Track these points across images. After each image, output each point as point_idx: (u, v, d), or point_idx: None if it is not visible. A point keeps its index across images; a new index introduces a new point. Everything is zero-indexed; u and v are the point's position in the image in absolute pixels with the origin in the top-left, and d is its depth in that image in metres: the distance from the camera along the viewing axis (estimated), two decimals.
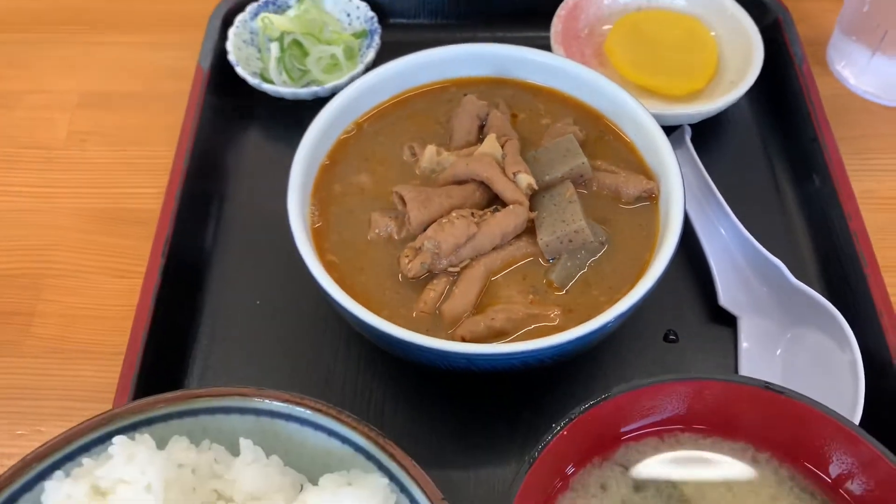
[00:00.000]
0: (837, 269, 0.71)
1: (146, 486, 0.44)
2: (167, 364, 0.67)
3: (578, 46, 0.84)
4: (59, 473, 0.47)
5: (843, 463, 0.52)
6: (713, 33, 0.84)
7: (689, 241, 0.72)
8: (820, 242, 0.73)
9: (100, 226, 0.78)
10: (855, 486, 0.51)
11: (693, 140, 0.78)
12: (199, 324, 0.70)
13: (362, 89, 0.70)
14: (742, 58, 0.81)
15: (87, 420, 0.48)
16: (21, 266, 0.75)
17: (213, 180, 0.78)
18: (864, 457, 0.51)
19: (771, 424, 0.54)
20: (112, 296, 0.73)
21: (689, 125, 0.79)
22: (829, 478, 0.52)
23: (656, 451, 0.56)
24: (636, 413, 0.55)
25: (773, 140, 0.81)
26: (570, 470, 0.54)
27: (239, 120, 0.83)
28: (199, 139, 0.77)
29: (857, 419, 0.59)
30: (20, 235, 0.77)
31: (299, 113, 0.82)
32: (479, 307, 0.61)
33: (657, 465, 0.54)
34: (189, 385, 0.67)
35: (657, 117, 0.73)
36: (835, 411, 0.52)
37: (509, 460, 0.61)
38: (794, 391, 0.53)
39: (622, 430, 0.55)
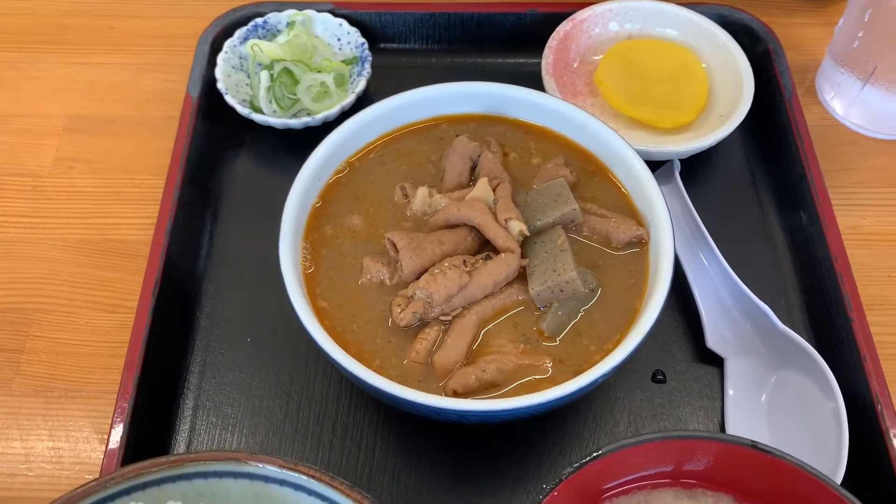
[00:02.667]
0: (823, 311, 0.72)
1: None
2: (158, 406, 0.67)
3: (570, 77, 0.84)
4: None
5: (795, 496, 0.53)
6: (704, 64, 0.84)
7: (677, 281, 0.72)
8: (806, 282, 0.74)
9: (89, 258, 0.77)
10: None
11: (682, 173, 0.79)
12: (189, 363, 0.70)
13: (353, 128, 0.70)
14: (732, 91, 0.81)
15: (81, 486, 0.49)
16: (12, 300, 0.74)
17: (204, 212, 0.78)
18: (818, 492, 0.52)
19: (755, 479, 0.55)
20: (102, 332, 0.73)
21: (679, 160, 0.79)
22: None
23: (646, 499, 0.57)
24: (625, 469, 0.56)
25: (762, 175, 0.81)
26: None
27: (229, 149, 0.82)
28: (189, 170, 0.77)
29: (841, 468, 0.61)
30: (10, 268, 0.76)
31: (290, 141, 0.82)
32: (470, 357, 0.61)
33: None
34: (180, 430, 0.67)
35: (647, 153, 0.74)
36: (818, 471, 0.53)
37: None
38: (779, 451, 0.54)
39: (611, 484, 0.56)
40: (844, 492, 0.52)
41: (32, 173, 0.83)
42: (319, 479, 0.49)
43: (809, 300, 0.73)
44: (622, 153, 0.68)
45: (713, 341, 0.70)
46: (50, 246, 0.78)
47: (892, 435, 0.63)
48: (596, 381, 0.57)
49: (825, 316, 0.71)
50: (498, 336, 0.62)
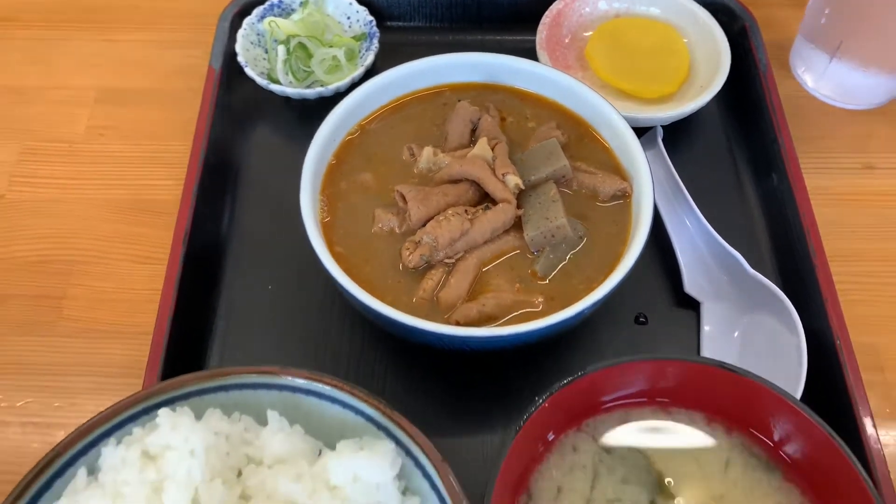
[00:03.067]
0: (790, 260, 0.79)
1: (190, 452, 0.52)
2: (190, 343, 0.74)
3: (562, 52, 0.91)
4: (111, 440, 0.54)
5: (783, 430, 0.61)
6: (685, 40, 0.91)
7: (658, 234, 0.80)
8: (776, 235, 0.81)
9: (122, 215, 0.84)
10: (792, 449, 0.60)
11: (664, 139, 0.86)
12: (217, 306, 0.77)
13: (365, 94, 0.77)
14: (711, 64, 0.89)
15: (133, 395, 0.56)
16: (53, 252, 0.82)
17: (227, 174, 0.85)
18: (801, 425, 0.60)
19: (724, 397, 0.63)
20: (135, 281, 0.80)
21: (662, 126, 0.86)
22: (772, 442, 0.61)
23: (623, 421, 0.64)
24: (607, 388, 0.63)
25: (737, 140, 0.89)
26: (550, 436, 0.63)
27: (248, 117, 0.89)
28: (213, 136, 0.84)
29: (798, 393, 0.68)
30: (50, 224, 0.83)
31: (304, 111, 0.89)
32: (471, 294, 0.68)
33: (624, 433, 0.63)
34: (210, 362, 0.74)
35: (632, 119, 0.81)
36: (779, 387, 0.61)
37: (497, 428, 0.69)
38: (744, 369, 0.62)
39: (596, 402, 0.64)
40: (801, 404, 0.60)
41: (68, 139, 0.90)
42: (341, 389, 0.56)
43: (778, 251, 0.81)
44: (608, 116, 0.76)
45: (690, 287, 0.77)
46: (86, 205, 0.85)
47: (845, 362, 0.70)
48: (581, 312, 0.64)
49: (792, 264, 0.78)
50: (496, 276, 0.70)
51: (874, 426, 0.67)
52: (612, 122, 0.75)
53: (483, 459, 0.67)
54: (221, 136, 0.85)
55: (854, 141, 0.91)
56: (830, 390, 0.71)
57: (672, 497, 0.61)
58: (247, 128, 0.89)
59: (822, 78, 0.92)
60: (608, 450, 0.63)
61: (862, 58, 0.87)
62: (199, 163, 0.81)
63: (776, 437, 0.62)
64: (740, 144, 0.88)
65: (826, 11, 0.87)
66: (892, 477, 0.67)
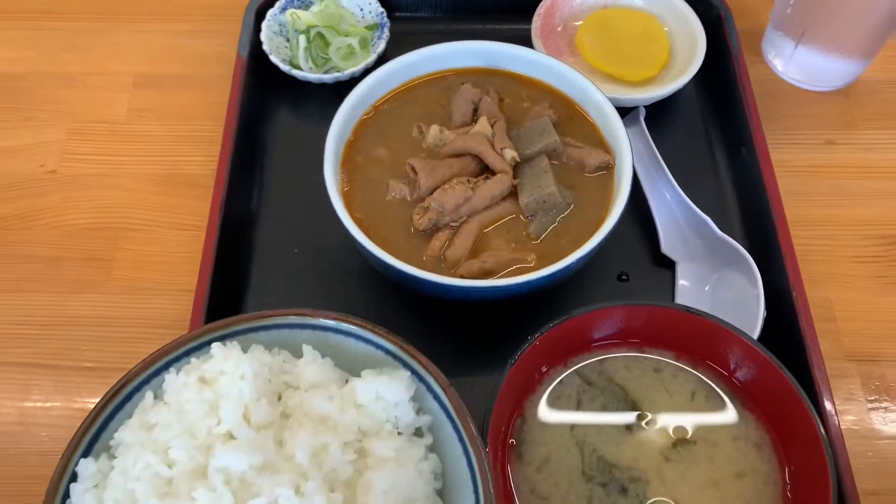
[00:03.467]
0: (755, 225, 0.89)
1: (240, 376, 0.62)
2: (227, 297, 0.84)
3: (555, 39, 1.01)
4: (172, 370, 0.65)
5: (735, 360, 0.71)
6: (666, 28, 1.01)
7: (638, 202, 0.90)
8: (743, 203, 0.91)
9: (161, 188, 0.94)
10: (742, 374, 0.71)
11: (646, 119, 0.96)
12: (249, 266, 0.87)
13: (378, 78, 0.87)
14: (689, 50, 0.98)
15: (189, 333, 0.66)
16: (102, 220, 0.92)
17: (255, 150, 0.95)
18: (748, 353, 0.70)
19: (689, 337, 0.73)
20: (176, 245, 0.90)
21: (644, 106, 0.96)
22: (727, 371, 0.72)
23: (603, 359, 0.75)
24: (589, 330, 0.74)
25: (712, 119, 0.99)
26: (544, 369, 0.73)
27: (273, 99, 0.99)
28: (243, 116, 0.93)
29: (755, 335, 0.78)
30: (98, 196, 0.93)
31: (323, 94, 0.99)
32: (473, 253, 0.79)
33: (603, 369, 0.73)
34: (245, 311, 0.85)
35: (617, 100, 0.91)
36: (735, 326, 0.71)
37: (495, 365, 0.78)
38: (706, 313, 0.72)
39: (579, 342, 0.74)
40: (753, 340, 0.71)
41: (110, 121, 1.00)
42: (364, 327, 0.66)
43: (745, 216, 0.91)
44: (594, 97, 0.85)
45: (667, 248, 0.87)
46: (129, 179, 0.95)
47: (800, 311, 0.80)
48: (568, 267, 0.74)
49: (757, 228, 0.88)
50: (495, 238, 0.80)
51: (823, 365, 0.78)
52: (598, 102, 0.85)
53: (483, 392, 0.77)
54: (250, 117, 0.95)
55: (817, 119, 1.00)
56: (788, 336, 0.81)
57: (646, 421, 0.72)
58: (272, 109, 0.99)
59: (789, 62, 1.02)
60: (590, 382, 0.74)
61: (823, 44, 0.97)
62: (231, 140, 0.91)
63: (733, 370, 0.72)
64: (714, 122, 0.98)
65: (791, 2, 0.96)
66: (838, 408, 0.78)
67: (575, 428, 0.71)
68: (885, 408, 0.81)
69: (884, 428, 0.80)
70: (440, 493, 0.64)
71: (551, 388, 0.73)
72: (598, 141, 0.86)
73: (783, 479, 0.69)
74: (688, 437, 0.71)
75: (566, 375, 0.74)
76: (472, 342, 0.82)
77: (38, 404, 0.81)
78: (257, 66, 0.99)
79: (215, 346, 0.64)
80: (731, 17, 1.02)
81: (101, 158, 0.97)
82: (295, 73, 0.97)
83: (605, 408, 0.72)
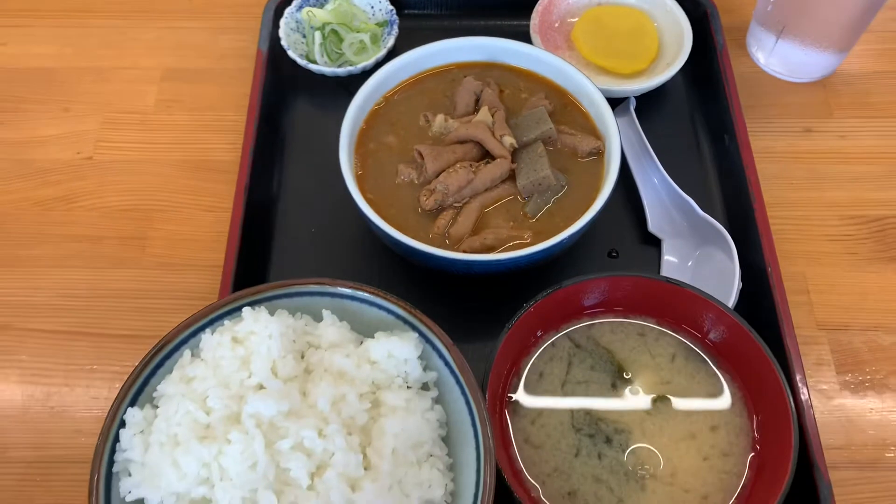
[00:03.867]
0: (735, 205, 0.96)
1: (268, 335, 0.70)
2: (251, 272, 0.92)
3: (552, 35, 1.09)
4: (207, 331, 0.73)
5: (710, 325, 0.79)
6: (655, 24, 1.09)
7: (628, 186, 0.98)
8: (725, 186, 0.99)
9: (189, 173, 1.02)
10: (716, 337, 0.79)
11: (637, 109, 1.03)
12: (271, 244, 0.96)
13: (389, 71, 0.95)
14: (677, 45, 1.06)
15: (222, 299, 0.75)
16: (135, 202, 1.00)
17: (275, 138, 1.03)
18: (722, 318, 0.78)
19: (668, 305, 0.81)
20: (204, 226, 0.98)
21: (634, 97, 1.04)
22: (701, 333, 0.80)
23: (591, 325, 0.83)
24: (579, 298, 0.81)
25: (697, 109, 1.06)
26: (538, 333, 0.81)
27: (291, 91, 1.07)
28: (264, 107, 1.01)
29: (731, 304, 0.86)
30: (131, 180, 1.02)
31: (337, 85, 1.07)
32: (475, 230, 0.86)
33: (591, 334, 0.81)
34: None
35: (609, 91, 0.98)
36: (709, 294, 0.79)
37: (494, 332, 0.86)
38: (685, 283, 0.80)
39: (570, 310, 0.82)
40: (726, 306, 0.78)
41: (140, 111, 1.08)
42: (377, 294, 0.74)
43: (726, 198, 0.98)
44: (586, 88, 0.93)
45: (653, 227, 0.95)
46: (159, 165, 1.03)
47: (774, 286, 0.88)
48: (561, 242, 0.82)
49: (737, 209, 0.96)
50: (495, 217, 0.88)
51: (793, 332, 0.85)
52: (590, 93, 0.93)
53: (483, 354, 0.84)
54: (270, 107, 1.03)
55: (796, 108, 1.08)
56: (763, 307, 0.88)
57: (630, 380, 0.80)
58: (290, 100, 1.07)
59: (770, 55, 1.09)
60: (579, 346, 0.82)
61: (802, 38, 1.04)
62: (253, 128, 0.99)
63: (708, 334, 0.80)
64: (699, 113, 1.06)
65: (769, 5, 1.04)
66: (809, 371, 0.86)
67: (565, 385, 0.79)
68: (852, 372, 0.89)
69: (850, 390, 0.88)
70: (445, 439, 0.72)
71: (544, 349, 0.81)
72: (589, 129, 0.93)
73: (752, 430, 0.77)
74: (668, 393, 0.79)
75: (558, 339, 0.82)
76: (472, 311, 0.90)
77: (82, 367, 0.89)
78: (276, 61, 1.07)
79: (246, 309, 0.72)
80: (716, 14, 1.10)
81: (133, 146, 1.05)
82: (311, 66, 1.05)
83: (593, 368, 0.80)
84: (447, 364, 0.72)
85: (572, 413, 0.78)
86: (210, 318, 0.73)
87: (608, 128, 0.90)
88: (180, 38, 1.15)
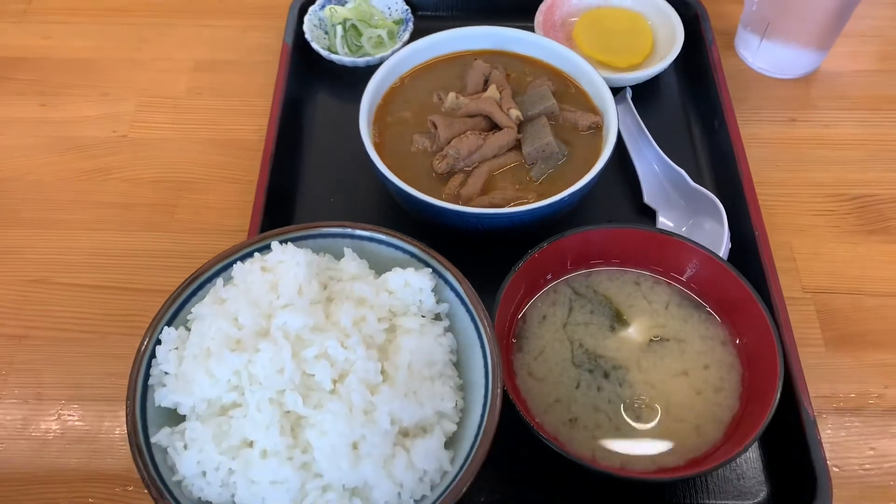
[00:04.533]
0: (724, 177, 1.03)
1: (296, 263, 0.76)
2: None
3: (554, 33, 1.18)
4: (239, 262, 0.79)
5: (699, 272, 0.85)
6: (650, 23, 1.18)
7: (624, 163, 1.05)
8: (715, 160, 1.06)
9: (216, 150, 1.10)
10: (705, 283, 0.85)
11: (633, 99, 1.12)
12: (293, 213, 1.03)
13: (405, 54, 1.03)
14: (670, 42, 1.15)
15: (253, 238, 0.81)
16: (166, 175, 1.07)
17: (299, 117, 1.11)
18: (708, 262, 0.84)
19: (662, 255, 0.87)
20: (230, 195, 1.05)
21: (631, 87, 1.12)
22: (692, 282, 0.86)
23: (590, 276, 0.89)
24: (580, 249, 0.88)
25: (690, 99, 1.14)
26: (542, 280, 0.88)
27: (313, 79, 1.16)
28: (288, 90, 1.09)
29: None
30: (163, 155, 1.09)
31: (356, 75, 1.15)
32: (483, 191, 0.94)
33: (591, 283, 0.88)
34: None
35: (607, 80, 1.06)
36: (699, 243, 0.85)
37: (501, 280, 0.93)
38: (676, 233, 0.86)
39: (570, 260, 0.88)
40: (717, 255, 0.85)
41: (173, 96, 1.16)
42: (393, 235, 0.81)
43: (716, 171, 1.05)
44: (585, 70, 1.01)
45: (649, 199, 1.02)
46: (189, 143, 1.11)
47: (762, 248, 0.94)
48: (563, 200, 0.88)
49: (725, 180, 1.03)
50: (502, 181, 0.95)
51: (779, 287, 0.91)
52: (588, 74, 1.01)
53: (491, 301, 0.90)
54: (293, 91, 1.11)
55: (782, 101, 1.16)
56: (751, 268, 0.94)
57: (627, 324, 0.86)
58: (312, 85, 1.15)
59: (757, 55, 1.18)
60: (579, 293, 0.88)
61: (783, 37, 1.13)
62: (279, 106, 1.06)
63: (700, 283, 0.87)
64: (691, 101, 1.14)
65: (754, 6, 1.13)
66: (795, 325, 0.92)
67: (566, 326, 0.85)
68: (837, 328, 0.94)
69: (834, 344, 0.93)
70: (456, 365, 0.78)
71: (547, 295, 0.87)
72: (589, 107, 1.01)
73: (742, 367, 0.83)
74: (663, 335, 0.85)
75: (559, 286, 0.88)
76: (481, 265, 0.96)
77: (111, 315, 0.95)
78: (300, 52, 1.16)
79: (274, 243, 0.79)
80: (706, 16, 1.19)
81: (165, 126, 1.13)
82: (332, 57, 1.14)
83: (592, 313, 0.86)
84: (458, 295, 0.78)
85: (572, 351, 0.84)
86: (242, 252, 0.80)
87: (606, 105, 0.98)
88: (211, 34, 1.24)
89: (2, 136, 1.12)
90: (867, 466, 0.85)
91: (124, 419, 0.71)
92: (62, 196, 1.05)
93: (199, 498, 0.69)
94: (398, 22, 1.19)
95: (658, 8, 1.18)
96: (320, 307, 0.75)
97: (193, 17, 1.27)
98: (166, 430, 0.71)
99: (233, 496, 0.68)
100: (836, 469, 0.85)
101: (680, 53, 1.13)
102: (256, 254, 0.80)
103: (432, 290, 0.79)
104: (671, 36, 1.15)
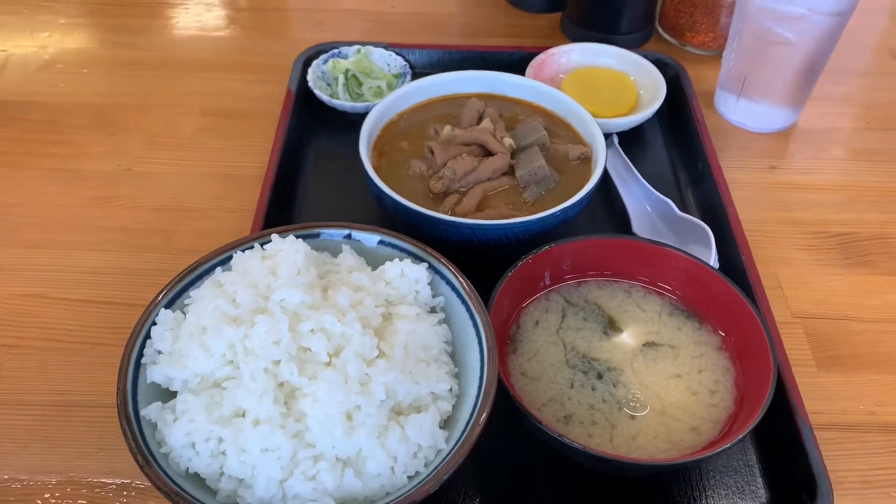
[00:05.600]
0: (713, 215, 1.07)
1: (295, 251, 0.77)
2: None
3: None
4: (239, 251, 0.80)
5: (690, 281, 0.87)
6: (634, 79, 1.26)
7: (613, 200, 1.09)
8: (699, 195, 1.11)
9: (217, 183, 1.13)
10: (696, 293, 0.87)
11: (623, 148, 1.17)
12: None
13: (402, 93, 1.09)
14: (653, 96, 1.22)
15: (254, 234, 0.83)
16: (166, 204, 1.10)
17: (299, 152, 1.15)
18: (700, 272, 0.86)
19: (652, 266, 0.89)
20: (226, 222, 1.07)
21: (616, 134, 1.18)
22: (682, 292, 0.87)
23: (582, 286, 0.90)
24: (573, 259, 0.90)
25: (674, 145, 1.20)
26: (534, 289, 0.89)
27: (314, 122, 1.21)
28: (290, 129, 1.14)
29: None
30: (165, 187, 1.12)
31: (355, 120, 1.21)
32: (478, 209, 0.97)
33: (583, 293, 0.89)
34: None
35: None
36: (691, 253, 0.88)
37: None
38: (669, 244, 0.89)
39: (563, 271, 0.90)
40: (709, 265, 0.87)
41: (178, 136, 1.21)
42: (390, 234, 0.83)
43: (703, 206, 1.09)
44: (574, 108, 1.07)
45: (637, 230, 1.05)
46: (191, 177, 1.14)
47: (749, 272, 0.97)
48: (555, 214, 0.92)
49: (712, 213, 1.07)
50: (495, 202, 0.98)
51: (767, 301, 0.93)
52: (577, 111, 1.07)
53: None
54: (295, 130, 1.16)
55: (762, 151, 1.22)
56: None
57: (621, 330, 0.87)
58: (314, 127, 1.20)
59: (734, 111, 1.25)
60: (572, 303, 0.89)
61: (758, 95, 1.21)
62: (280, 142, 1.11)
63: (691, 293, 0.88)
64: (676, 148, 1.20)
65: (731, 64, 1.21)
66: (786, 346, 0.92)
67: (560, 330, 0.86)
68: (827, 350, 0.95)
69: (826, 364, 0.94)
70: (451, 356, 0.78)
71: (540, 302, 0.88)
72: (579, 142, 1.06)
73: (736, 372, 0.83)
74: (656, 341, 0.85)
75: (551, 294, 0.89)
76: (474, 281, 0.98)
77: (105, 330, 0.94)
78: (303, 99, 1.21)
79: (274, 235, 0.81)
80: (686, 75, 1.27)
81: (168, 162, 1.17)
82: (335, 102, 1.20)
83: (585, 320, 0.87)
84: (454, 289, 0.80)
85: (566, 353, 0.84)
86: (243, 244, 0.81)
87: (595, 137, 1.03)
88: (218, 85, 1.31)
89: (8, 168, 1.15)
90: (867, 480, 0.84)
91: (108, 423, 0.69)
92: (63, 220, 1.07)
93: (188, 469, 0.67)
94: (397, 76, 1.26)
95: (641, 67, 1.26)
96: (318, 290, 0.75)
97: (202, 71, 1.34)
98: (157, 404, 0.70)
99: (222, 467, 0.66)
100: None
101: (664, 108, 1.20)
102: (256, 244, 0.81)
103: (428, 285, 0.80)
104: (654, 91, 1.22)
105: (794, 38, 1.12)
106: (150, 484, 0.65)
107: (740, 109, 1.25)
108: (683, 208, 1.09)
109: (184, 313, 0.76)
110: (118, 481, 0.81)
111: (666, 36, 1.44)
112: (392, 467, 0.67)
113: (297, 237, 0.83)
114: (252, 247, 0.81)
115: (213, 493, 0.67)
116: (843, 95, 1.34)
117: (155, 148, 1.19)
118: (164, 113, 1.25)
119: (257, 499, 0.65)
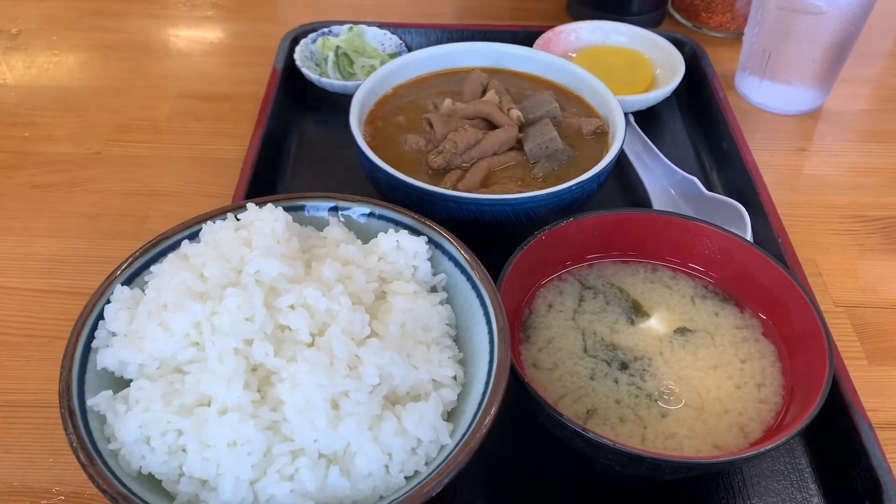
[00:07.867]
0: (739, 189, 0.97)
1: (274, 219, 0.66)
2: None
3: None
4: (210, 221, 0.69)
5: (712, 256, 0.77)
6: (649, 58, 1.16)
7: (633, 182, 0.99)
8: (727, 175, 1.01)
9: (195, 166, 1.03)
10: (733, 272, 0.77)
11: (641, 125, 1.07)
12: None
13: (398, 65, 0.99)
14: (671, 75, 1.12)
15: (228, 205, 0.72)
16: (139, 188, 0.99)
17: (284, 132, 1.05)
18: (740, 249, 0.76)
19: (683, 243, 0.79)
20: (206, 207, 0.94)
21: (636, 121, 1.07)
22: (717, 272, 0.77)
23: (601, 268, 0.80)
24: (590, 237, 0.79)
25: (695, 125, 1.10)
26: (550, 268, 0.78)
27: (302, 102, 1.11)
28: (274, 108, 1.04)
29: None
30: (136, 171, 1.02)
31: (345, 100, 1.11)
32: (483, 186, 0.86)
33: (603, 277, 0.79)
34: None
35: None
36: (727, 228, 0.77)
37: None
38: (704, 220, 0.78)
39: (580, 250, 0.79)
40: (749, 241, 0.76)
41: (154, 118, 1.11)
42: (384, 206, 0.72)
43: (729, 185, 0.99)
44: (589, 80, 0.97)
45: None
46: (165, 160, 1.04)
47: (786, 254, 0.86)
48: (570, 188, 0.81)
49: (744, 198, 0.96)
50: (502, 178, 0.88)
51: (808, 284, 0.82)
52: (591, 83, 0.97)
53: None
54: (280, 108, 1.06)
55: (789, 133, 1.12)
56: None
57: (647, 315, 0.76)
58: (301, 107, 1.11)
59: (757, 93, 1.16)
60: (590, 285, 0.78)
61: (783, 76, 1.11)
62: (265, 121, 1.01)
63: (728, 272, 0.77)
64: (697, 129, 1.10)
65: (756, 31, 1.12)
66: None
67: (577, 315, 0.75)
68: (876, 342, 0.85)
69: (877, 358, 0.83)
70: (455, 341, 0.67)
71: (554, 284, 0.78)
72: (593, 116, 0.96)
73: (785, 359, 0.72)
74: (689, 327, 0.74)
75: (566, 275, 0.79)
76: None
77: (63, 323, 0.83)
78: (290, 78, 1.12)
79: (249, 205, 0.70)
80: (704, 53, 1.17)
81: (141, 145, 1.06)
82: (324, 81, 1.10)
83: (608, 302, 0.76)
84: (458, 264, 0.69)
85: (585, 341, 0.73)
86: (212, 215, 0.71)
87: (611, 108, 0.93)
88: (199, 68, 1.21)
89: None
90: None
91: (61, 427, 0.57)
92: (20, 206, 0.97)
93: (140, 469, 0.56)
94: (392, 55, 1.17)
95: (657, 45, 1.17)
96: (300, 263, 0.65)
97: (182, 54, 1.25)
98: (106, 393, 0.59)
99: (181, 466, 0.55)
100: None
101: (682, 88, 1.10)
102: (230, 214, 0.70)
103: (428, 260, 0.69)
104: (671, 71, 1.13)
105: (825, 6, 1.03)
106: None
107: (764, 90, 1.15)
108: (707, 187, 0.99)
109: (143, 291, 0.66)
110: (68, 489, 0.70)
111: (679, 17, 1.35)
112: (386, 465, 0.56)
113: (285, 210, 0.72)
114: (225, 218, 0.70)
115: (170, 497, 0.55)
116: (869, 77, 1.25)
117: (127, 130, 1.09)
118: (139, 95, 1.15)
119: (223, 503, 0.53)
